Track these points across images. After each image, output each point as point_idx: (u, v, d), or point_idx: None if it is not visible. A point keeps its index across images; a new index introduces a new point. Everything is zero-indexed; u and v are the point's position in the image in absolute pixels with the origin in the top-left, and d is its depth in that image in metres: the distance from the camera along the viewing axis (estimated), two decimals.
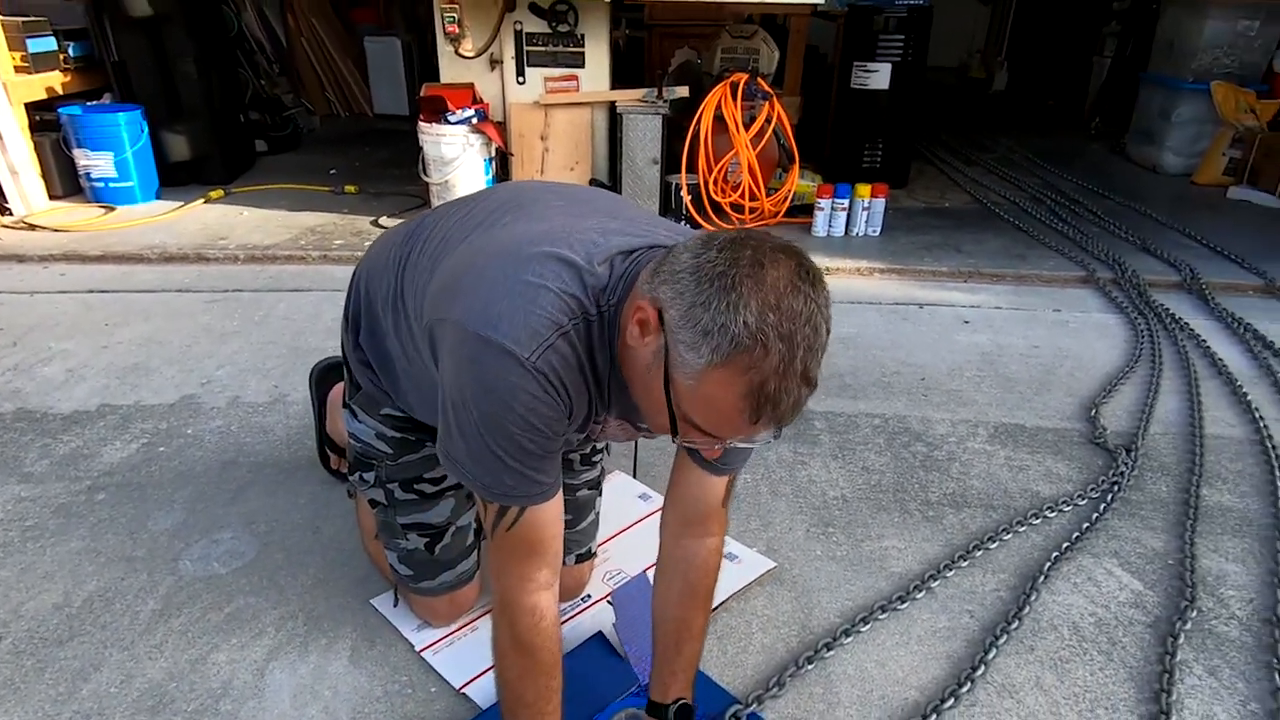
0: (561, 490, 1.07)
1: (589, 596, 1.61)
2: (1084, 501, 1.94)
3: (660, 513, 1.25)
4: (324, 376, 1.90)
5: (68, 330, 2.71)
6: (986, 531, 1.83)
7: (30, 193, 3.54)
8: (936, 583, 1.67)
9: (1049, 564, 1.71)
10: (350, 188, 4.24)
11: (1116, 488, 1.97)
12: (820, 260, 3.48)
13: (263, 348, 2.64)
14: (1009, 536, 1.81)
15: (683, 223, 3.62)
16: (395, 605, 1.55)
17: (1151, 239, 3.71)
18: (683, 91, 3.95)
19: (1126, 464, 2.06)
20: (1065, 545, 1.77)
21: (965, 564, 1.72)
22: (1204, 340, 2.79)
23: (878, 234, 3.87)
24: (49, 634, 1.49)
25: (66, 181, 3.79)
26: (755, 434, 0.86)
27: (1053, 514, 1.89)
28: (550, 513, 1.05)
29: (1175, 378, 2.57)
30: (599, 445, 1.56)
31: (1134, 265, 3.39)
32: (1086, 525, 1.84)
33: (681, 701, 1.21)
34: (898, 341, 2.83)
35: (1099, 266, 3.43)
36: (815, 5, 4.01)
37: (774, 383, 0.80)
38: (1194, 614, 1.59)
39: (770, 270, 0.81)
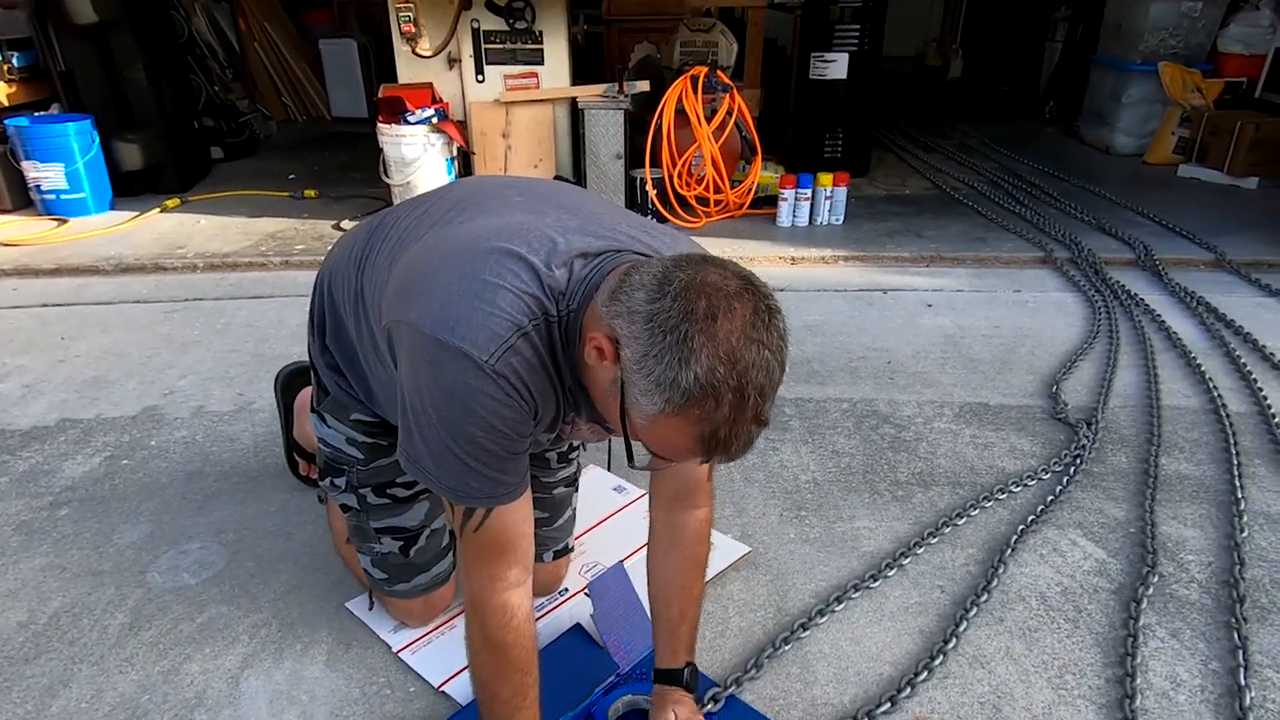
0: (529, 489, 1.07)
1: (566, 590, 1.62)
2: (1048, 475, 1.99)
3: (646, 495, 1.28)
4: (290, 381, 1.87)
5: (22, 345, 2.65)
6: (954, 508, 1.86)
7: None
8: (907, 560, 1.70)
9: (1015, 537, 1.74)
10: (310, 192, 4.18)
11: (1078, 460, 2.02)
12: (785, 250, 3.56)
13: (226, 356, 2.60)
14: (976, 512, 1.85)
15: (649, 217, 3.63)
16: (370, 609, 1.54)
17: (1106, 218, 3.79)
18: (644, 86, 3.95)
19: (1088, 437, 2.11)
20: (1030, 518, 1.81)
21: (935, 541, 1.75)
22: (1159, 315, 2.87)
23: (840, 222, 3.92)
24: (14, 652, 1.45)
25: (16, 195, 3.69)
26: (707, 461, 0.90)
27: (1018, 489, 1.93)
28: (518, 512, 1.05)
29: (1132, 352, 2.64)
30: (574, 443, 1.57)
31: (1090, 244, 3.47)
32: (1050, 498, 1.88)
33: (690, 664, 1.27)
34: (863, 327, 2.87)
35: (1056, 247, 3.50)
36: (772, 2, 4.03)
37: (725, 430, 0.82)
38: (1155, 579, 1.64)
39: (724, 322, 0.81)
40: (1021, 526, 1.78)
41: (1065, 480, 1.95)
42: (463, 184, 1.31)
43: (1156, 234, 3.63)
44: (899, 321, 2.92)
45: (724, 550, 1.72)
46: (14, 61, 3.66)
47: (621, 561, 1.51)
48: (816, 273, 3.43)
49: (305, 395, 1.79)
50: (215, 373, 2.50)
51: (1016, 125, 6.00)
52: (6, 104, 3.66)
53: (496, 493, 1.01)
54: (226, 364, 2.56)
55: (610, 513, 1.87)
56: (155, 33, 4.05)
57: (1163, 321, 2.82)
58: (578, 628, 1.51)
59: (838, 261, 3.52)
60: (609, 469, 1.98)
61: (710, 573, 1.64)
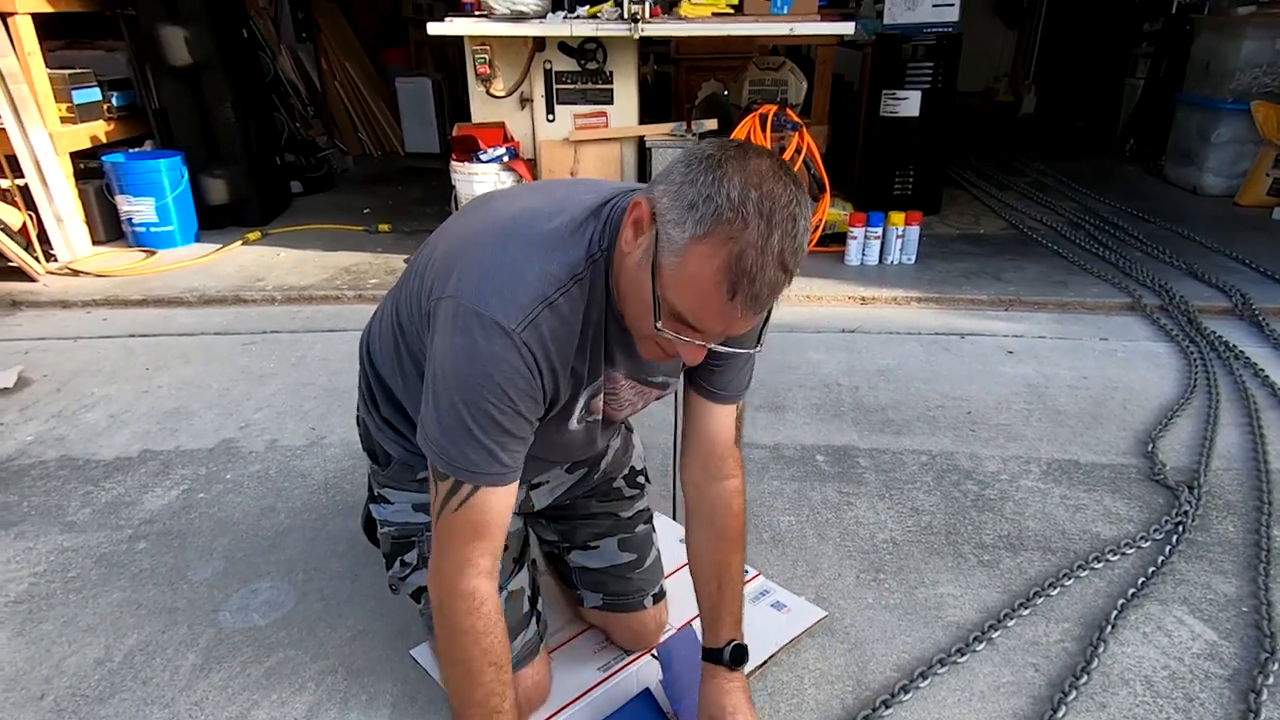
0: (517, 483, 1.07)
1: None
2: (1147, 543, 1.85)
3: (680, 470, 1.30)
4: None
5: (110, 375, 2.75)
6: (1046, 576, 1.75)
7: (74, 239, 3.62)
8: (997, 633, 1.59)
9: (1115, 612, 1.62)
10: (384, 226, 4.29)
11: (1181, 528, 1.88)
12: (855, 289, 3.48)
13: (299, 389, 2.65)
14: (1070, 582, 1.73)
15: None
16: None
17: (1197, 263, 3.60)
18: (711, 124, 3.95)
19: (1189, 502, 1.97)
20: (1131, 591, 1.68)
21: (1026, 612, 1.64)
22: (1261, 369, 2.69)
23: (913, 262, 3.82)
24: (90, 691, 1.47)
25: (109, 227, 3.87)
26: (733, 318, 0.89)
27: (1115, 557, 1.81)
28: (502, 499, 1.05)
29: (1234, 409, 2.47)
30: (638, 465, 1.55)
31: (1181, 291, 3.30)
32: (1152, 569, 1.75)
33: (735, 642, 1.25)
34: (940, 373, 2.76)
35: (1145, 293, 3.34)
36: (843, 36, 4.00)
37: (751, 256, 0.84)
38: (1275, 666, 1.50)
39: (754, 159, 0.87)
40: (1121, 600, 1.66)
41: (1167, 550, 1.82)
42: (470, 209, 1.32)
43: (1254, 281, 3.42)
44: (978, 368, 2.80)
45: (798, 614, 1.64)
46: (113, 101, 3.87)
47: (691, 625, 1.46)
48: (888, 314, 3.33)
49: None
50: (289, 406, 2.55)
51: (1094, 163, 5.80)
52: (105, 140, 3.86)
53: (489, 470, 1.02)
54: (300, 397, 2.60)
55: (679, 566, 1.81)
56: (244, 73, 4.23)
57: (1266, 376, 2.64)
58: (646, 693, 1.45)
59: (910, 303, 3.42)
60: (674, 517, 1.93)
61: (784, 639, 1.58)
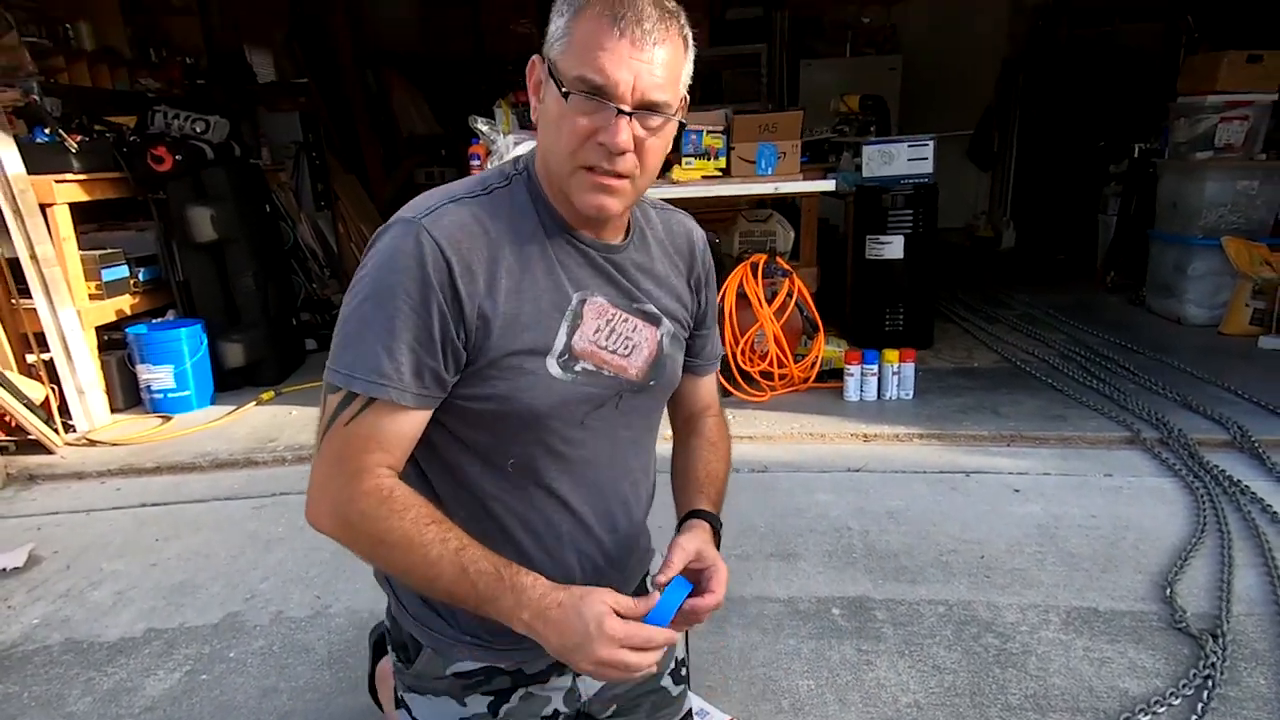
0: (423, 414, 1.00)
1: None
2: (1178, 700, 1.80)
3: (671, 440, 1.34)
4: (381, 641, 1.66)
5: (119, 549, 2.75)
6: None
7: (94, 409, 3.71)
8: None
9: None
10: None
11: (1210, 682, 1.83)
12: (858, 426, 3.53)
13: (307, 554, 2.65)
14: None
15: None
16: None
17: (1191, 394, 3.66)
18: None
19: (1215, 652, 1.92)
20: None
21: None
22: (1269, 505, 2.67)
23: (911, 397, 3.89)
24: None
25: (128, 394, 3.98)
26: (628, 54, 0.93)
27: (1147, 717, 1.75)
28: (400, 424, 0.98)
29: (1247, 548, 2.45)
30: (679, 654, 1.41)
31: (1178, 423, 3.34)
32: None
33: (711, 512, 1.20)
34: (949, 514, 2.76)
35: (1143, 426, 3.38)
36: (826, 192, 4.27)
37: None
38: None
39: None
40: None
41: (1200, 707, 1.76)
42: None
43: (1249, 412, 3.47)
44: (986, 508, 2.80)
45: None
46: (140, 276, 4.08)
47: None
48: (891, 451, 3.36)
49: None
50: (296, 573, 2.53)
51: (1077, 295, 6.00)
52: (130, 313, 4.04)
53: (382, 374, 0.95)
54: (307, 563, 2.59)
55: None
56: (265, 244, 4.49)
57: (1275, 512, 2.63)
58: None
59: (913, 439, 3.45)
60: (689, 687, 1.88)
61: None
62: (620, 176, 0.99)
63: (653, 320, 1.14)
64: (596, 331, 1.07)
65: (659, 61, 0.95)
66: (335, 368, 0.98)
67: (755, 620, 2.18)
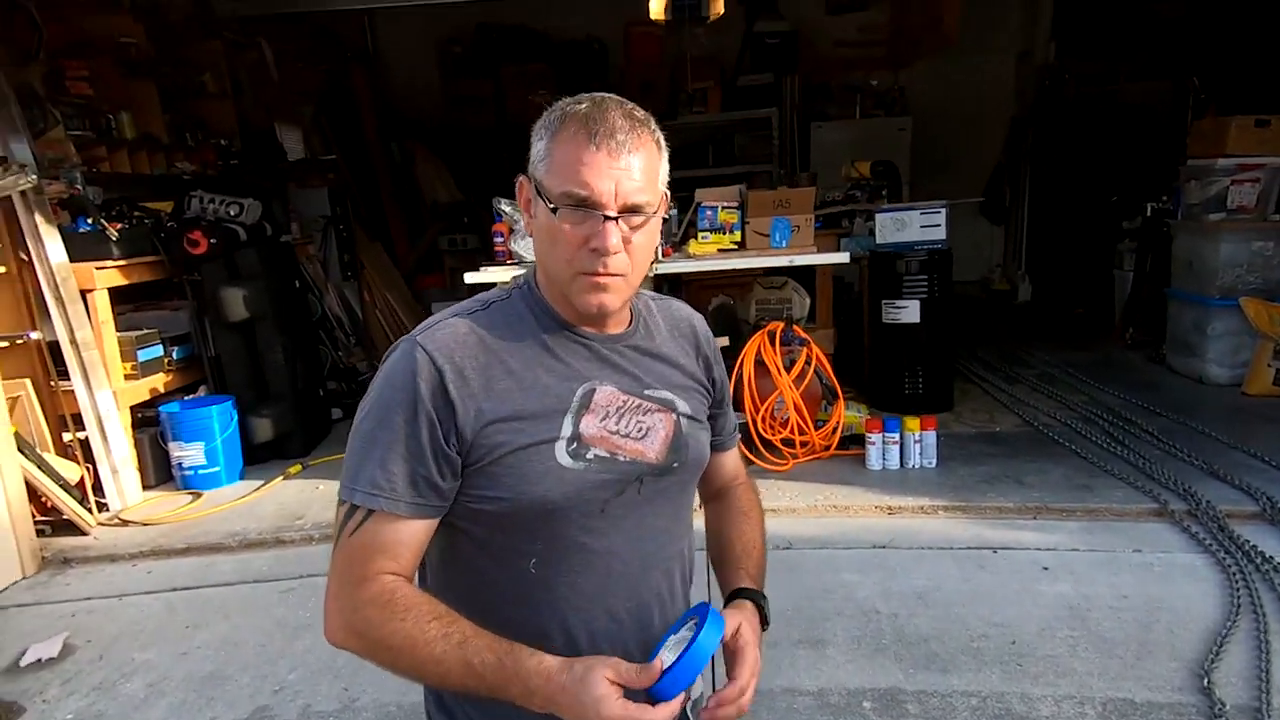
0: (423, 522, 1.02)
1: None
2: None
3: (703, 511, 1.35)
4: None
5: (150, 637, 2.78)
6: None
7: (127, 487, 3.79)
8: None
9: None
10: None
11: None
12: (881, 498, 3.52)
13: None
14: None
15: None
16: None
17: (1217, 461, 3.63)
18: (722, 341, 4.19)
19: None
20: None
21: None
22: None
23: (934, 465, 3.88)
24: None
25: (160, 470, 4.06)
26: (606, 164, 1.00)
27: None
28: (401, 533, 1.00)
29: None
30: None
31: (1206, 494, 3.30)
32: None
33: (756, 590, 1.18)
34: (978, 595, 2.74)
35: (1170, 496, 3.35)
36: (840, 264, 4.34)
37: (594, 113, 1.01)
38: None
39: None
40: None
41: None
42: None
43: (1277, 480, 3.44)
44: (1015, 588, 2.78)
45: None
46: (174, 355, 4.20)
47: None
48: (917, 525, 3.35)
49: None
50: (323, 662, 2.55)
51: (1097, 351, 5.98)
52: (163, 391, 4.14)
53: (376, 486, 0.99)
54: (334, 652, 2.52)
55: None
56: (294, 318, 4.60)
57: None
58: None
59: (937, 512, 3.44)
60: None
61: None
62: (615, 275, 1.06)
63: (665, 403, 1.16)
64: (605, 418, 1.09)
65: (636, 167, 1.03)
66: (342, 483, 1.04)
67: (785, 716, 2.17)
